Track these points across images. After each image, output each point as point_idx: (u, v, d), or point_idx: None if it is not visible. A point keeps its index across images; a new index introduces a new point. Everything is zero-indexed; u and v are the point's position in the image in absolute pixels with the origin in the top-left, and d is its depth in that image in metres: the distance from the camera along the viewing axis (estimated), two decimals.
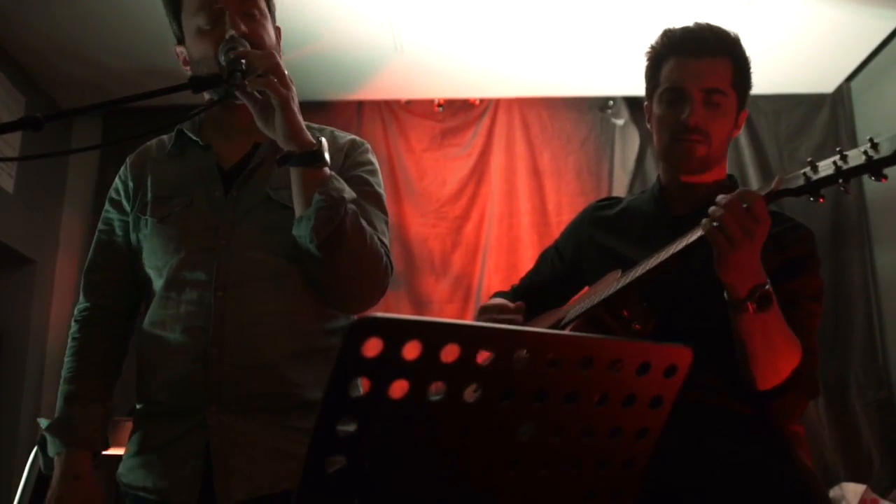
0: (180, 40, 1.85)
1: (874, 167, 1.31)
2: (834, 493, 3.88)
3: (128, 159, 1.93)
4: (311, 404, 1.67)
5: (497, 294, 2.12)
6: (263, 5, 1.81)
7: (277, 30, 1.89)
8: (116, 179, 1.91)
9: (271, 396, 1.67)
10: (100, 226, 1.91)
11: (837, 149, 1.36)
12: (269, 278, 1.70)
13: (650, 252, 1.64)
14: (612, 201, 2.06)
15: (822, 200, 1.40)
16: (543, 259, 2.10)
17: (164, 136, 1.91)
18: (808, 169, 1.40)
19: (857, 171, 1.33)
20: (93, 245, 1.91)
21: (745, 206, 1.45)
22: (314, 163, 1.60)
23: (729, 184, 1.84)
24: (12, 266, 4.64)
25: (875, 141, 1.30)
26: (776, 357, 1.56)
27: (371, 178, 1.84)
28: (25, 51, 4.40)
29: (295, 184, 1.63)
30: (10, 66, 4.43)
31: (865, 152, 1.31)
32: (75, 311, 1.88)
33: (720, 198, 1.49)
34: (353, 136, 1.92)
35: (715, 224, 1.47)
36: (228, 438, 1.63)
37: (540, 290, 2.03)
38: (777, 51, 4.27)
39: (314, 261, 1.64)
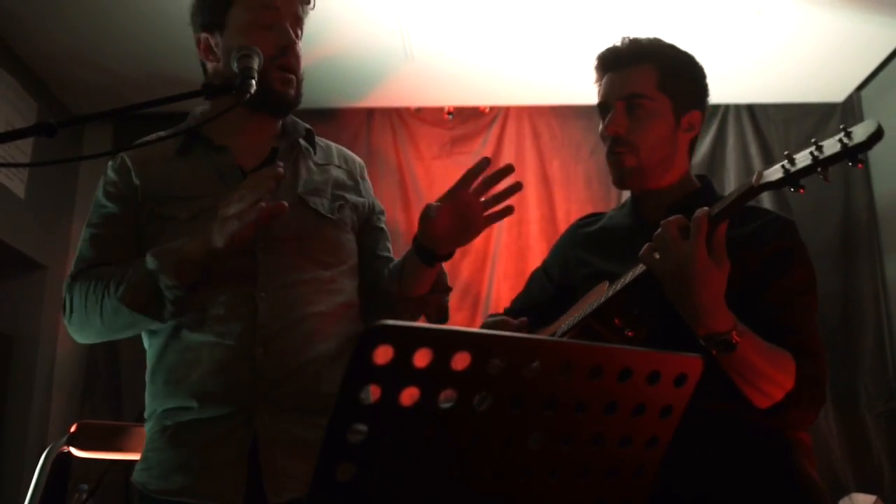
0: (212, 27, 1.83)
1: (850, 153, 1.31)
2: (843, 503, 3.86)
3: (125, 156, 1.85)
4: None
5: (491, 317, 2.12)
6: (301, 27, 1.89)
7: None
8: (112, 174, 1.83)
9: (312, 396, 1.70)
10: (94, 221, 1.83)
11: (812, 140, 1.37)
12: (307, 282, 1.76)
13: (633, 262, 1.63)
14: (594, 218, 2.06)
15: (802, 192, 1.40)
16: (532, 280, 2.10)
17: (161, 133, 1.83)
18: (785, 161, 1.40)
19: (834, 158, 1.33)
20: (85, 243, 1.82)
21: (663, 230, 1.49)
22: (449, 258, 1.76)
23: (701, 185, 1.85)
24: (23, 271, 4.66)
25: (849, 130, 1.32)
26: (761, 383, 1.53)
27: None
28: (37, 57, 4.42)
29: (419, 269, 1.76)
30: (23, 72, 4.46)
31: (840, 140, 1.32)
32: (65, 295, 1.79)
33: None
34: (356, 157, 2.04)
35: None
36: (275, 438, 1.65)
37: (530, 311, 2.02)
38: (787, 60, 4.27)
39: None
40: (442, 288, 1.79)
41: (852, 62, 4.39)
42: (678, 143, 1.81)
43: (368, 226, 1.91)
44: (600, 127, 1.84)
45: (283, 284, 1.73)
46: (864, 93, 4.69)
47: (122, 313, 1.69)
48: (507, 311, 2.09)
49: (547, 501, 0.97)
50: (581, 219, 2.10)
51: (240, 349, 1.69)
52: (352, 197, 1.90)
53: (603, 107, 1.82)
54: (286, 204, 1.60)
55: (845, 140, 1.31)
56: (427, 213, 1.67)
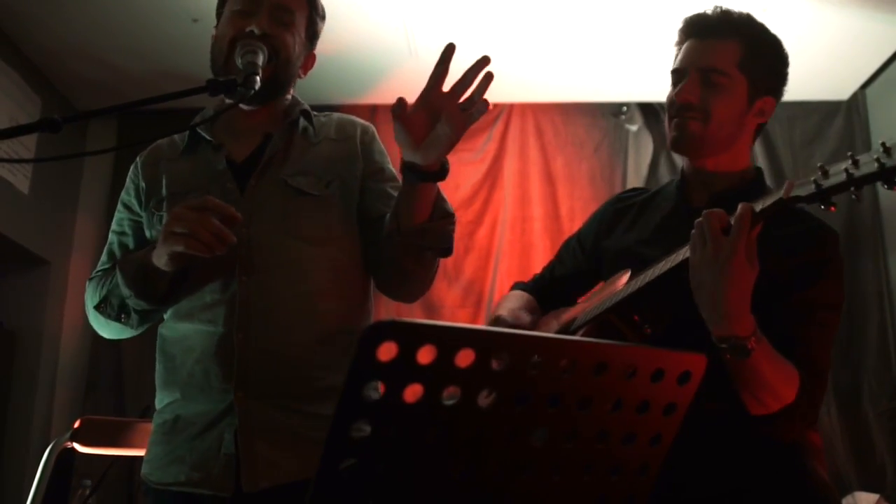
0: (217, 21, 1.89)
1: (887, 175, 1.23)
2: (847, 502, 3.86)
3: (138, 159, 1.95)
4: (335, 389, 1.67)
5: (517, 285, 2.11)
6: (299, 22, 1.85)
7: (312, 56, 1.95)
8: (128, 180, 1.93)
9: (296, 381, 1.68)
10: (112, 227, 1.93)
11: (849, 154, 1.28)
12: (291, 262, 1.73)
13: (667, 246, 1.60)
14: (636, 192, 2.03)
15: (833, 209, 1.32)
16: (566, 249, 2.08)
17: (176, 136, 1.92)
18: (818, 175, 1.32)
19: (869, 178, 1.25)
20: (105, 249, 1.92)
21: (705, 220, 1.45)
22: (443, 178, 1.62)
23: (754, 176, 1.79)
24: (26, 267, 4.67)
25: (888, 146, 1.23)
26: (761, 394, 1.51)
27: (393, 170, 1.89)
28: (41, 52, 4.43)
29: (416, 192, 1.63)
30: (27, 68, 4.46)
31: (878, 159, 1.23)
32: (88, 292, 1.87)
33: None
34: (359, 121, 1.94)
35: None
36: (255, 424, 1.64)
37: (561, 280, 2.02)
38: (792, 57, 4.22)
39: (419, 262, 1.71)
40: (441, 214, 1.66)
41: (857, 60, 4.38)
42: (745, 126, 1.75)
43: (365, 189, 1.84)
44: (670, 91, 1.78)
45: (266, 266, 1.72)
46: (868, 91, 4.68)
47: (100, 321, 1.84)
48: (537, 279, 2.09)
49: (550, 498, 0.96)
50: (623, 192, 2.08)
51: (222, 335, 1.69)
52: (344, 170, 1.83)
53: (679, 72, 1.76)
54: (239, 216, 1.59)
55: (883, 160, 1.23)
56: (394, 110, 1.54)
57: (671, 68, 1.79)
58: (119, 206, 1.93)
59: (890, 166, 1.22)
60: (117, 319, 1.80)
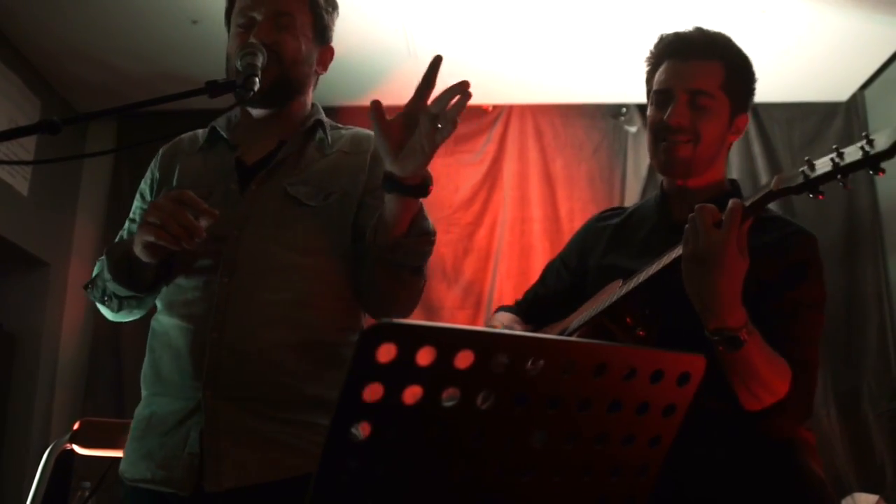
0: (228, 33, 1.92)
1: (871, 162, 1.30)
2: (846, 503, 3.86)
3: (160, 150, 1.98)
4: (309, 399, 1.68)
5: (501, 309, 2.11)
6: (302, 23, 1.87)
7: (328, 50, 1.99)
8: (148, 170, 1.97)
9: (269, 386, 1.67)
10: (130, 214, 1.96)
11: (834, 146, 1.36)
12: (278, 269, 1.72)
13: (649, 258, 1.63)
14: (615, 212, 2.05)
15: (821, 197, 1.40)
16: (549, 271, 2.09)
17: (199, 132, 1.94)
18: (805, 167, 1.40)
19: (855, 166, 1.33)
20: (118, 235, 1.95)
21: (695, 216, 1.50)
22: (422, 194, 1.60)
23: (730, 187, 1.82)
24: (26, 269, 4.67)
25: (871, 137, 1.30)
26: (754, 387, 1.53)
27: None
28: (41, 54, 4.43)
29: (395, 205, 1.61)
30: (26, 69, 4.46)
31: (862, 148, 1.31)
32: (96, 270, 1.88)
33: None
34: (372, 135, 1.92)
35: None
36: (221, 424, 1.64)
37: (545, 302, 2.01)
38: (791, 59, 4.26)
39: (393, 279, 1.69)
40: (418, 232, 1.64)
41: (856, 61, 4.38)
42: (724, 144, 1.79)
43: (362, 204, 1.82)
44: (650, 111, 1.80)
45: (252, 270, 1.71)
46: (867, 92, 4.68)
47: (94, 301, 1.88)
48: (519, 303, 2.09)
49: (550, 500, 0.97)
50: (602, 212, 2.09)
51: (197, 333, 1.69)
52: (348, 184, 1.82)
53: (664, 93, 1.77)
54: (216, 213, 1.60)
55: (867, 148, 1.30)
56: (370, 113, 1.53)
57: (654, 89, 1.80)
58: (137, 195, 1.97)
59: (873, 154, 1.30)
60: (101, 301, 1.83)
